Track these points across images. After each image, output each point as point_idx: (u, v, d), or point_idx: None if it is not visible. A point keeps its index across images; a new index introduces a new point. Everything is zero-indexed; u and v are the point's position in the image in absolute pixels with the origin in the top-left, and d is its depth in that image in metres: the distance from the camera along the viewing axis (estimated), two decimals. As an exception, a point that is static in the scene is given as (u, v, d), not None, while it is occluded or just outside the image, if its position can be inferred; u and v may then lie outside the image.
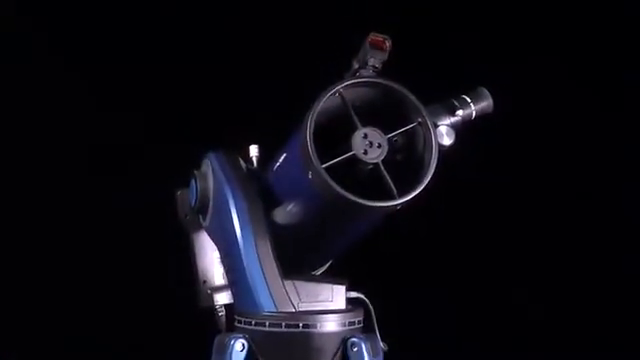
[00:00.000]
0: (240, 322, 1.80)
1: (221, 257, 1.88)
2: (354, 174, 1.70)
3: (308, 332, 1.75)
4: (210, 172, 1.86)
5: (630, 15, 2.96)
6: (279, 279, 1.77)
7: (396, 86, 1.71)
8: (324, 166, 1.64)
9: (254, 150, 1.89)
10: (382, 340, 1.81)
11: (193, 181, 1.89)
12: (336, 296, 1.79)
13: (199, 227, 1.92)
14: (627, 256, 3.00)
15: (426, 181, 1.67)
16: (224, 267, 1.87)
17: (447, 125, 1.76)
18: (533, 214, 3.02)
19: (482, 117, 1.82)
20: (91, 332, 3.02)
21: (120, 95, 3.01)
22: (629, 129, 2.98)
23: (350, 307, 1.80)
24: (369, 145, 1.67)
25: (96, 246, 3.02)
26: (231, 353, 1.77)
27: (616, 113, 2.98)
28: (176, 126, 2.94)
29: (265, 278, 1.77)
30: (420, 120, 1.70)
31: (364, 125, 1.68)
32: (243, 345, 1.77)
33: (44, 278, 3.00)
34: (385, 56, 1.74)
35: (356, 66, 1.75)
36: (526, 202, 3.01)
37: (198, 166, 1.89)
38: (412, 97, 1.71)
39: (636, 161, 2.98)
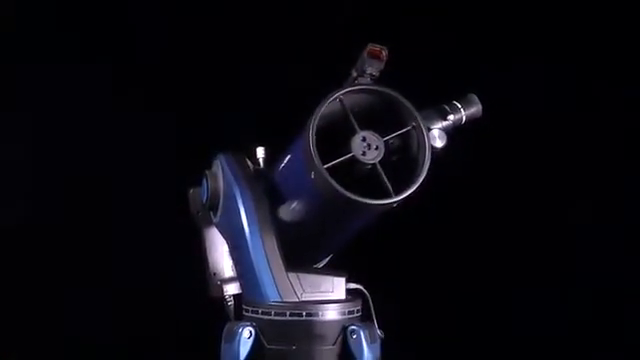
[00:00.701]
0: (248, 311, 1.85)
1: (230, 251, 1.92)
2: (353, 174, 1.74)
3: (311, 320, 1.79)
4: (220, 172, 1.90)
5: (622, 17, 2.91)
6: (284, 271, 1.81)
7: (392, 93, 1.75)
8: (326, 167, 1.69)
9: (261, 152, 1.92)
10: (379, 328, 1.84)
11: (204, 180, 1.92)
12: (336, 287, 1.83)
13: (210, 223, 1.96)
14: (627, 255, 2.94)
15: (420, 180, 1.72)
16: (233, 260, 1.92)
17: (439, 129, 1.80)
18: (532, 213, 2.98)
19: (472, 121, 1.85)
20: (91, 332, 2.95)
21: (126, 95, 2.95)
22: (624, 129, 2.95)
23: (350, 297, 1.84)
24: (367, 147, 1.72)
25: (97, 246, 2.96)
26: (239, 340, 1.81)
27: (610, 113, 2.94)
28: (184, 128, 2.90)
29: (271, 270, 1.82)
30: (414, 124, 1.74)
31: (362, 129, 1.72)
32: (250, 332, 1.82)
33: (44, 278, 2.95)
34: (382, 65, 1.78)
35: (355, 74, 1.78)
36: (524, 201, 2.97)
37: (209, 166, 1.93)
38: (407, 103, 1.75)
39: (634, 161, 2.94)
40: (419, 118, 1.75)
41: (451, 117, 1.83)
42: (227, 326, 1.86)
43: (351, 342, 1.80)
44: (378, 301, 1.85)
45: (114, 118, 2.94)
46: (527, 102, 2.93)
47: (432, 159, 1.74)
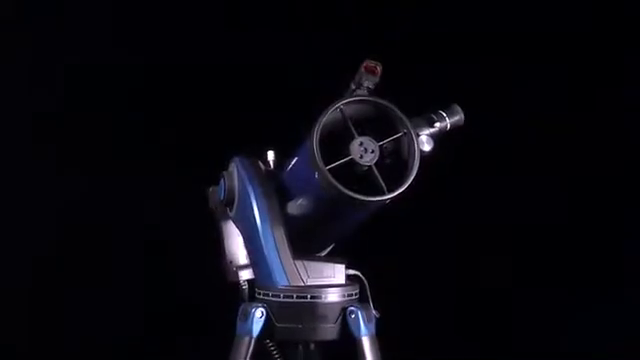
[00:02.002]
0: (259, 294, 1.95)
1: (244, 241, 2.01)
2: (352, 174, 1.83)
3: (315, 302, 1.90)
4: (235, 172, 1.98)
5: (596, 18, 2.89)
6: (291, 259, 1.91)
7: (386, 103, 1.85)
8: (328, 168, 1.79)
9: (271, 155, 2.01)
10: (374, 309, 1.93)
11: (222, 180, 2.01)
12: (337, 273, 1.93)
13: (227, 217, 2.04)
14: (627, 255, 2.94)
15: (410, 180, 1.82)
16: (247, 249, 2.00)
17: (427, 135, 1.89)
18: (531, 213, 2.96)
19: (455, 128, 1.94)
20: (92, 332, 2.95)
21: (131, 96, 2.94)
22: (612, 130, 2.95)
23: (349, 282, 1.94)
24: (364, 151, 1.82)
25: (97, 246, 2.96)
26: (252, 319, 1.92)
27: (608, 115, 2.93)
28: (205, 134, 2.91)
29: (280, 258, 1.91)
30: (405, 131, 1.84)
31: (360, 134, 1.82)
32: (262, 312, 1.91)
33: (44, 278, 2.95)
34: (377, 79, 1.88)
35: (353, 87, 1.89)
36: (521, 201, 2.96)
37: (226, 167, 2.01)
38: (399, 112, 1.85)
39: (628, 162, 2.95)
40: (409, 125, 1.85)
41: (437, 124, 1.92)
42: (242, 307, 1.96)
43: (350, 321, 1.90)
44: (380, 300, 1.94)
45: (116, 118, 2.94)
46: (524, 102, 2.94)
47: (420, 161, 1.83)
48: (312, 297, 1.91)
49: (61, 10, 2.90)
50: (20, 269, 2.96)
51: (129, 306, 2.97)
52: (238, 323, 1.96)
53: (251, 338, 1.93)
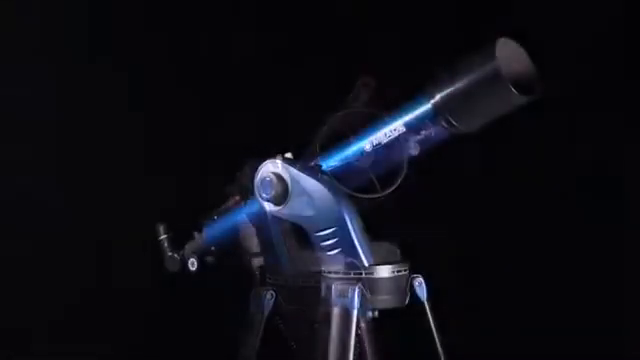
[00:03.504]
0: (270, 278, 2.08)
1: (257, 232, 2.13)
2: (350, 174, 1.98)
3: (318, 286, 2.01)
4: (249, 173, 2.09)
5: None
6: (297, 249, 2.06)
7: (379, 114, 1.99)
8: (329, 169, 1.97)
9: (279, 158, 2.06)
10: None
11: (237, 180, 2.15)
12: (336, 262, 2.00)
13: (242, 210, 2.14)
14: (629, 256, 2.93)
15: (400, 180, 1.97)
16: (259, 239, 2.13)
17: (415, 141, 1.99)
18: (530, 213, 2.97)
19: (440, 134, 1.98)
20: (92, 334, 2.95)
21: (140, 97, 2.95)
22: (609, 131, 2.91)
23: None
24: (361, 154, 1.97)
25: (98, 246, 2.94)
26: (263, 301, 2.07)
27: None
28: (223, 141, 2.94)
29: (287, 248, 2.06)
30: (396, 137, 1.97)
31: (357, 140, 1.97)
32: (272, 295, 2.06)
33: (45, 278, 2.94)
34: (371, 92, 2.02)
35: (351, 99, 2.03)
36: (521, 202, 2.97)
37: (240, 169, 2.14)
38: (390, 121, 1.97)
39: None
40: (400, 132, 1.97)
41: (423, 132, 2.01)
42: (254, 290, 2.10)
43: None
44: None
45: (117, 119, 2.93)
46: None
47: (409, 164, 1.98)
48: (315, 282, 2.03)
49: (61, 10, 2.92)
50: (20, 269, 2.93)
51: (129, 306, 2.97)
52: (251, 304, 2.11)
53: (262, 317, 2.08)
